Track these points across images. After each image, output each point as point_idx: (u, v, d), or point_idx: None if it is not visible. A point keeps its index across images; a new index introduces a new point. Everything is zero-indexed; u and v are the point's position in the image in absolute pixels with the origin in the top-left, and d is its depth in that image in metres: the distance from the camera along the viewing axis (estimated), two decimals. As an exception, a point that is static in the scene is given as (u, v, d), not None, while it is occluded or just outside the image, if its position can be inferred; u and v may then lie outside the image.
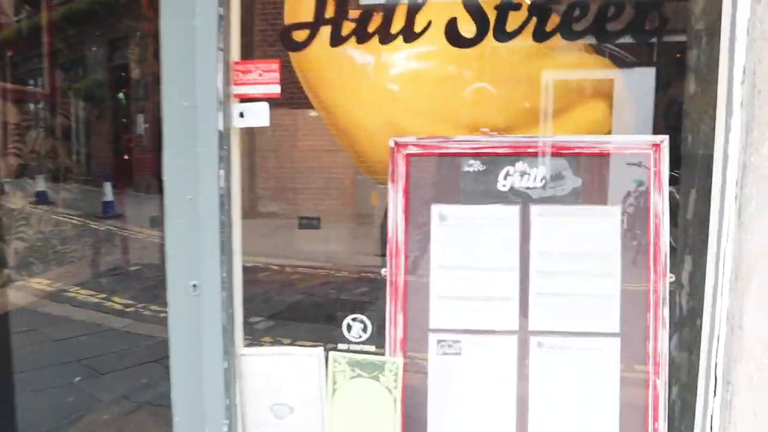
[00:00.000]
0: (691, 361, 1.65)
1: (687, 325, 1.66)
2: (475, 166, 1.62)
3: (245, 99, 1.57)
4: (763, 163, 1.27)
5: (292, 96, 1.85)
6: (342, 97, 1.79)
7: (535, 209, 1.61)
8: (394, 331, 1.64)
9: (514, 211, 1.61)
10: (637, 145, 1.59)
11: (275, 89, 1.55)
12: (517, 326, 1.62)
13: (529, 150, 1.61)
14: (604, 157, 1.61)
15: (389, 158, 1.63)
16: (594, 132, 1.78)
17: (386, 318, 1.64)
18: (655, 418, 1.58)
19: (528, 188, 1.61)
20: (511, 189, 1.62)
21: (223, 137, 1.53)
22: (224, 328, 1.60)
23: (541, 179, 1.61)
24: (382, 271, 1.66)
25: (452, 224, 1.63)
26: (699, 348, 1.59)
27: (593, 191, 1.61)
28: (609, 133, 1.75)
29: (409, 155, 1.63)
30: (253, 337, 4.90)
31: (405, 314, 1.64)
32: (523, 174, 1.61)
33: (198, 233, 1.57)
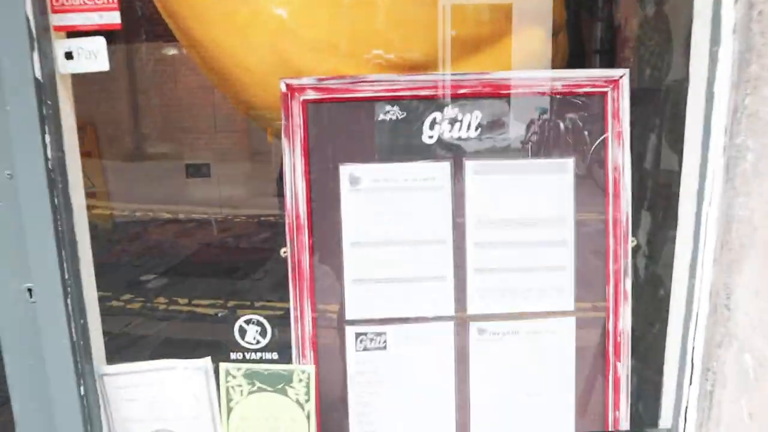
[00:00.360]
0: (654, 337, 1.41)
1: (646, 294, 1.41)
2: (393, 113, 1.26)
3: (74, 33, 1.12)
4: (764, 107, 0.98)
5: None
6: (216, 28, 1.36)
7: (470, 166, 1.28)
8: (301, 326, 1.30)
9: (443, 168, 1.28)
10: (591, 81, 1.28)
11: (113, 17, 1.10)
12: (453, 311, 1.32)
13: (461, 91, 1.26)
14: (552, 97, 1.29)
15: (281, 107, 1.24)
16: (532, 67, 1.46)
17: (291, 311, 1.29)
18: (616, 406, 1.34)
19: (460, 139, 1.28)
20: (440, 141, 1.27)
21: (44, 88, 1.09)
22: (74, 343, 1.20)
23: (476, 128, 1.28)
24: (282, 251, 1.30)
25: (367, 189, 1.27)
26: (664, 324, 1.34)
27: (541, 141, 1.30)
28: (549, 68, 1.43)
29: (307, 102, 1.24)
30: (146, 299, 4.44)
31: (313, 305, 1.30)
32: (453, 122, 1.27)
33: (24, 221, 1.14)
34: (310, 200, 1.27)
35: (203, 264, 4.70)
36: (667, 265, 1.39)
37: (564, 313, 1.34)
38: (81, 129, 1.23)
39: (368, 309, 1.31)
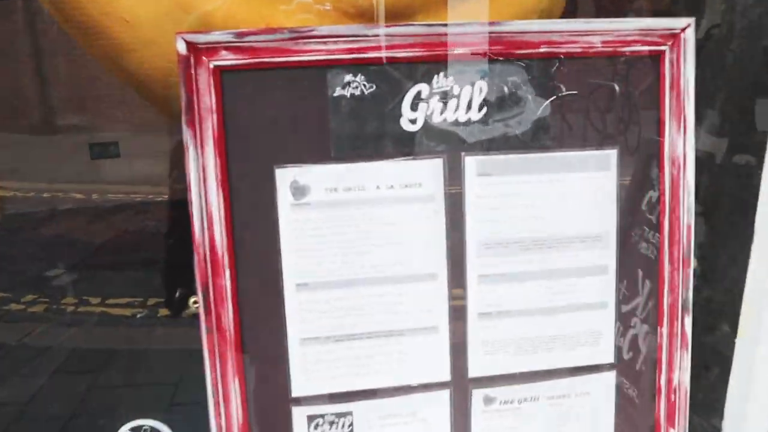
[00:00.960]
0: (710, 387, 1.04)
1: (700, 330, 1.04)
2: (357, 86, 0.82)
3: None
4: None
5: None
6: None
7: (471, 163, 0.86)
8: (226, 414, 0.86)
9: (433, 169, 0.86)
10: (642, 34, 0.87)
11: None
12: (449, 374, 0.91)
13: (459, 50, 0.83)
14: (587, 61, 0.87)
15: (179, 78, 0.79)
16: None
17: (208, 392, 0.85)
18: (670, 490, 0.98)
19: (457, 124, 0.85)
20: (427, 128, 0.85)
21: None
22: None
23: (481, 107, 0.85)
24: (191, 302, 0.85)
25: (318, 203, 0.84)
26: (725, 370, 0.97)
27: (571, 126, 0.89)
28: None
29: (221, 70, 0.79)
30: (51, 300, 3.86)
31: (243, 381, 0.86)
32: (447, 98, 0.84)
33: None
34: (230, 223, 0.83)
35: (119, 254, 4.14)
36: (732, 292, 1.02)
37: (602, 368, 0.95)
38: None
39: (325, 380, 0.88)
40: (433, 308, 0.88)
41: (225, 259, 0.83)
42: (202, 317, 0.84)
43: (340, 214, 0.84)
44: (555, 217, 0.89)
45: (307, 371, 0.87)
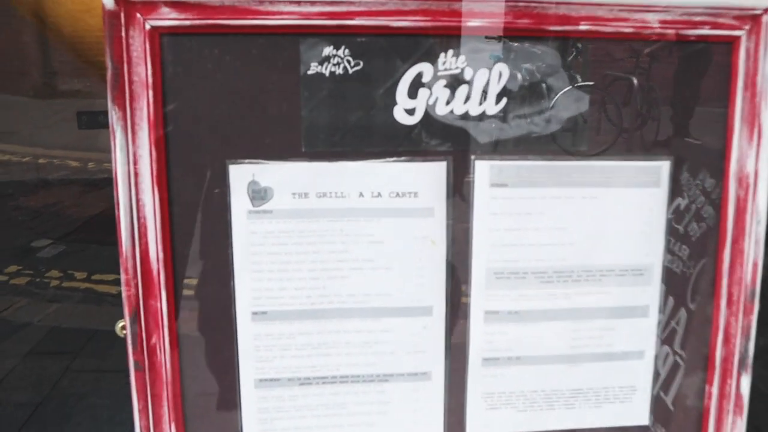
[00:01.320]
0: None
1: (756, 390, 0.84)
2: (339, 62, 0.63)
3: None
4: None
5: None
6: None
7: (483, 170, 0.67)
8: None
9: (433, 175, 0.67)
10: (711, 15, 0.67)
11: None
12: (442, 430, 0.73)
13: (474, 22, 0.64)
14: (638, 46, 0.68)
15: (105, 40, 0.60)
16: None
17: None
18: None
19: (467, 118, 0.66)
20: (427, 121, 0.65)
21: None
22: None
23: (499, 98, 0.66)
24: (118, 327, 0.67)
25: (283, 212, 0.65)
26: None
27: (614, 127, 0.69)
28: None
29: (159, 34, 0.60)
30: (35, 272, 3.70)
31: (181, 421, 0.68)
32: (455, 83, 0.65)
33: None
34: (168, 233, 0.64)
35: (110, 228, 3.98)
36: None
37: (633, 431, 0.76)
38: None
39: (286, 429, 0.70)
40: (425, 350, 0.70)
41: (161, 277, 0.64)
42: (130, 349, 0.65)
43: (310, 227, 0.66)
44: (586, 244, 0.70)
45: (263, 421, 0.69)
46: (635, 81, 0.69)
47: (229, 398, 0.68)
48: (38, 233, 4.01)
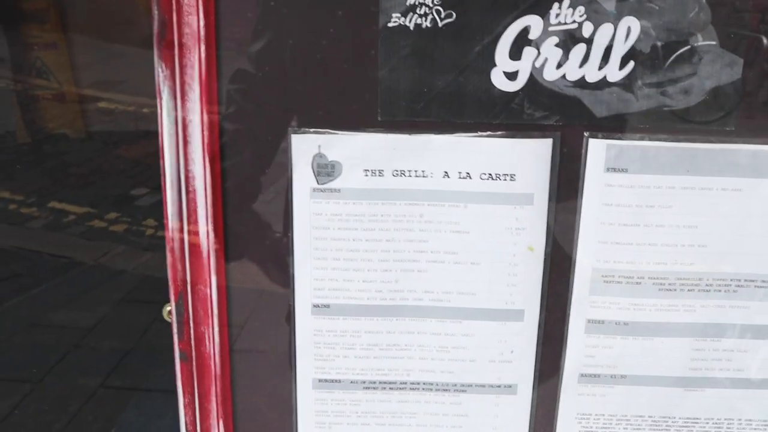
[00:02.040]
0: None
1: None
2: (426, 12, 0.52)
3: None
4: None
5: None
6: None
7: (598, 150, 0.55)
8: None
9: (536, 154, 0.55)
10: None
11: None
12: None
13: None
14: None
15: None
16: None
17: (182, 430, 0.61)
18: None
19: (583, 86, 0.53)
20: (532, 88, 0.53)
21: None
22: None
23: (624, 60, 0.53)
24: (165, 311, 0.60)
25: (355, 192, 0.55)
26: None
27: None
28: None
29: None
30: (132, 220, 3.80)
31: (230, 429, 0.61)
32: (569, 41, 0.52)
33: None
34: (221, 209, 0.56)
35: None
36: None
37: None
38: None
39: (345, 438, 0.62)
40: (512, 359, 0.59)
41: (212, 259, 0.56)
42: (176, 337, 0.58)
43: (384, 211, 0.56)
44: (722, 246, 0.56)
45: (321, 425, 0.61)
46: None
47: (283, 398, 0.60)
48: (137, 182, 4.12)
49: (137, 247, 3.41)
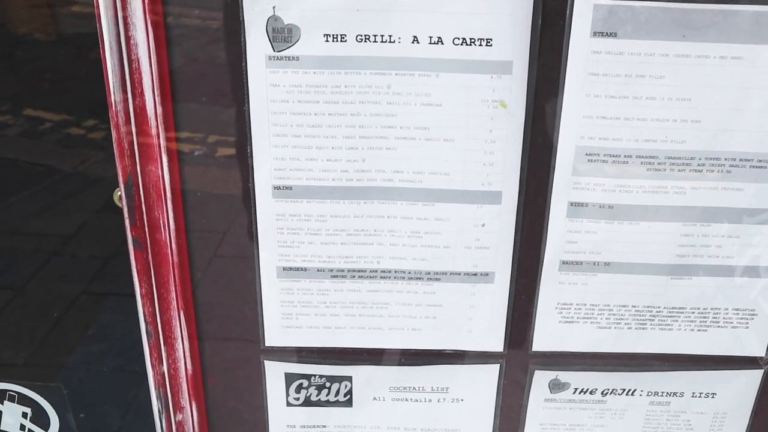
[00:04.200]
0: None
1: None
2: None
3: None
4: None
5: None
6: None
7: (583, 10, 0.49)
8: (169, 361, 0.59)
9: (513, 15, 0.49)
10: None
11: None
12: (502, 342, 0.60)
13: None
14: None
15: None
16: None
17: (141, 329, 0.58)
18: None
19: None
20: None
21: None
22: None
23: None
24: (116, 196, 0.56)
25: (312, 61, 0.50)
26: None
27: None
28: None
29: None
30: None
31: (192, 318, 0.58)
32: None
33: None
34: (168, 78, 0.51)
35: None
36: None
37: (745, 363, 0.61)
38: None
39: (314, 329, 0.59)
40: (488, 245, 0.56)
41: (161, 138, 0.52)
42: (127, 223, 0.54)
43: (348, 81, 0.51)
44: (717, 122, 0.52)
45: (287, 316, 0.58)
46: None
47: (246, 288, 0.57)
48: None
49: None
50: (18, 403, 0.65)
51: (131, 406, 0.67)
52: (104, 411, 0.67)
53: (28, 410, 0.64)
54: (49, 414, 0.65)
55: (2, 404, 0.64)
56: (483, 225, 0.55)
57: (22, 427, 0.65)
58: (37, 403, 0.65)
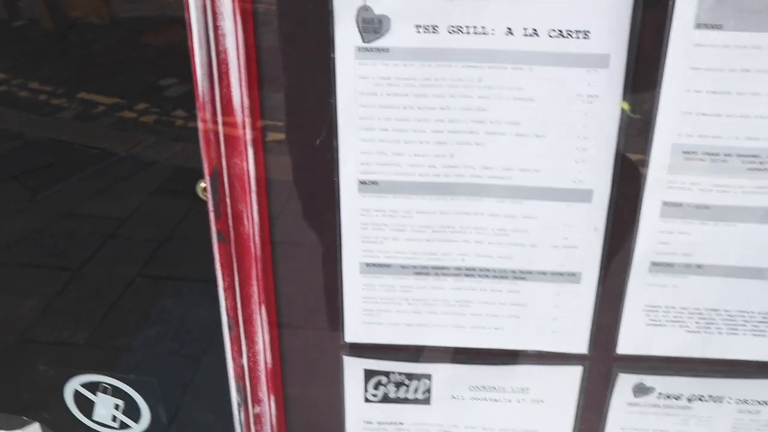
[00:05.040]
0: None
1: None
2: None
3: None
4: None
5: None
6: None
7: (686, 9, 0.47)
8: (249, 354, 0.59)
9: (615, 14, 0.47)
10: None
11: None
12: (586, 344, 0.58)
13: None
14: None
15: None
16: None
17: (223, 320, 0.58)
18: None
19: None
20: None
21: None
22: None
23: None
24: (200, 187, 0.56)
25: (402, 53, 0.49)
26: None
27: None
28: None
29: None
30: (162, 110, 3.78)
31: (273, 311, 0.58)
32: None
33: None
34: (255, 71, 0.50)
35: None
36: None
37: None
38: None
39: (395, 326, 0.58)
40: (576, 245, 0.54)
41: (247, 129, 0.51)
42: (212, 216, 0.54)
43: (438, 74, 0.49)
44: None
45: (369, 312, 0.58)
46: None
47: (328, 283, 0.56)
48: (165, 72, 4.08)
49: (168, 138, 3.42)
50: (111, 395, 0.66)
51: (191, 390, 0.68)
52: (168, 396, 0.67)
53: (121, 402, 0.66)
54: (140, 407, 0.66)
55: (96, 395, 0.66)
56: (572, 224, 0.53)
57: (114, 418, 0.66)
58: (130, 395, 0.66)
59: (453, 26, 0.48)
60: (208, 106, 0.51)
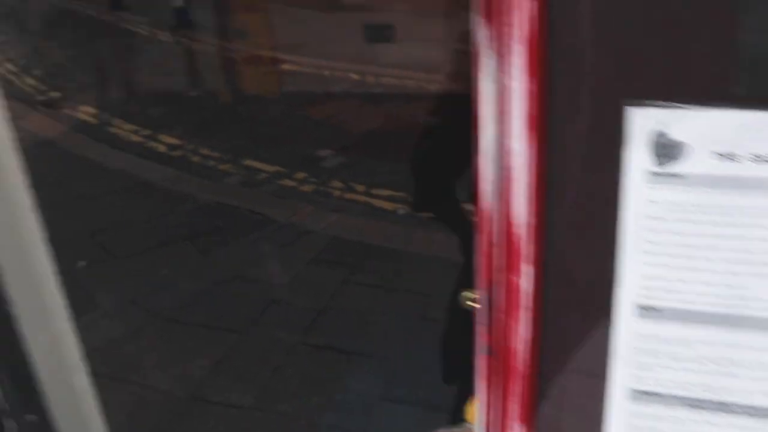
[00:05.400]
0: None
1: None
2: None
3: None
4: None
5: None
6: None
7: None
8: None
9: None
10: None
11: None
12: None
13: None
14: None
15: None
16: None
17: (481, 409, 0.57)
18: None
19: None
20: None
21: None
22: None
23: None
24: (467, 297, 0.56)
25: (698, 179, 0.47)
26: None
27: None
28: None
29: None
30: (318, 179, 3.93)
31: (532, 426, 0.56)
32: None
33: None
34: (541, 192, 0.50)
35: (386, 143, 4.04)
36: None
37: None
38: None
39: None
40: None
41: (527, 248, 0.51)
42: (481, 328, 0.54)
43: (736, 202, 0.47)
44: None
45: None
46: None
47: (592, 407, 0.54)
48: (322, 143, 4.25)
49: (324, 209, 3.54)
50: None
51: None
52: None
53: None
54: None
55: None
56: None
57: None
58: None
59: (756, 155, 0.45)
60: (488, 224, 0.50)
